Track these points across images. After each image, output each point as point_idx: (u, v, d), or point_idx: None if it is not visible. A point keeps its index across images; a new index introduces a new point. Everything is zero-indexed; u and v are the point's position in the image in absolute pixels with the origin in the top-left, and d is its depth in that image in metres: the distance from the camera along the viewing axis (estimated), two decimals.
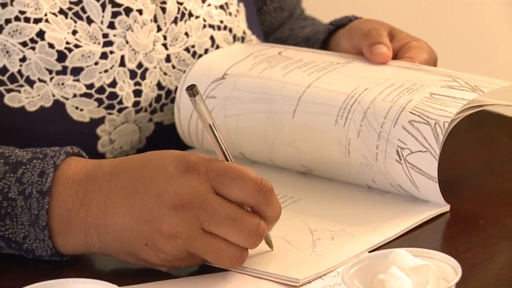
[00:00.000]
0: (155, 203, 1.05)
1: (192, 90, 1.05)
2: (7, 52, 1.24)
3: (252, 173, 1.05)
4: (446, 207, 1.18)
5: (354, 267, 0.96)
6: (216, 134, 1.07)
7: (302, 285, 1.06)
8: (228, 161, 1.07)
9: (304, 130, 1.23)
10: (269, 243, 1.10)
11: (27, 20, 1.25)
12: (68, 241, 1.10)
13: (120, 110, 1.28)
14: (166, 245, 1.05)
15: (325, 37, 1.40)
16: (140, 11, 1.30)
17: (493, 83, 1.23)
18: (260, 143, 1.27)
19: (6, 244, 1.11)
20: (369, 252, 1.10)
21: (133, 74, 1.29)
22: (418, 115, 1.17)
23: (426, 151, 1.16)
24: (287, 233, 1.15)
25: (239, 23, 1.39)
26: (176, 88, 1.32)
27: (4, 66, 1.24)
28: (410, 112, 1.18)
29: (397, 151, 1.18)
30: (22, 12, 1.25)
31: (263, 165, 1.29)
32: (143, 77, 1.30)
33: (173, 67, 1.33)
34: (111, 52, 1.28)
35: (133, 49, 1.29)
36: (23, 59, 1.25)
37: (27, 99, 1.25)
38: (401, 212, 1.18)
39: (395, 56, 1.30)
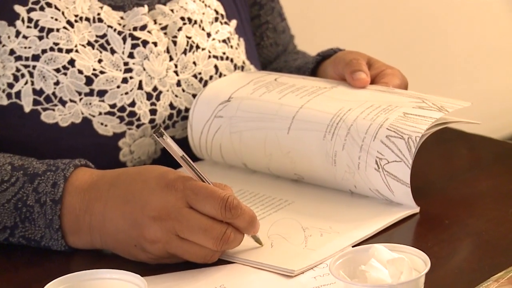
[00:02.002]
0: (139, 213, 1.07)
1: (158, 132, 1.05)
2: (43, 77, 1.24)
3: (222, 192, 1.06)
4: (417, 209, 1.18)
5: (339, 259, 0.96)
6: (188, 163, 1.08)
7: (296, 275, 1.06)
8: (204, 182, 1.08)
9: (297, 144, 1.23)
10: (258, 241, 1.10)
11: (60, 50, 1.25)
12: (78, 239, 1.12)
13: (138, 126, 1.28)
14: (149, 247, 1.07)
15: (313, 66, 1.40)
16: (155, 43, 1.30)
17: (456, 103, 1.23)
18: (259, 155, 1.27)
19: (27, 242, 1.13)
20: (352, 246, 1.10)
21: (149, 96, 1.29)
22: (394, 131, 1.17)
23: (400, 161, 1.16)
24: (282, 230, 1.15)
25: (239, 55, 1.38)
26: (186, 108, 1.32)
27: (41, 89, 1.24)
28: (387, 128, 1.18)
29: (376, 161, 1.17)
30: (56, 44, 1.25)
31: (262, 173, 1.29)
32: (157, 98, 1.29)
33: (183, 90, 1.32)
34: (131, 78, 1.28)
35: (149, 75, 1.29)
36: (56, 83, 1.24)
37: (60, 116, 1.24)
38: (378, 213, 1.17)
39: (373, 82, 1.30)
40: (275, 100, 1.26)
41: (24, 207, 1.12)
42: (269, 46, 1.50)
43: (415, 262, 0.95)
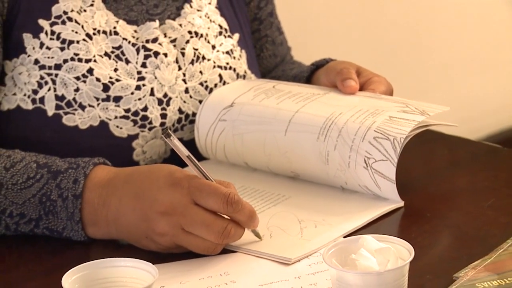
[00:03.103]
0: (149, 208, 1.07)
1: (165, 133, 1.05)
2: (65, 84, 1.24)
3: (224, 189, 1.06)
4: (401, 203, 1.18)
5: (332, 249, 0.96)
6: (193, 162, 1.08)
7: (293, 262, 1.06)
8: (207, 179, 1.07)
9: (293, 145, 1.23)
10: (257, 235, 1.10)
11: (80, 60, 1.24)
12: (96, 230, 1.12)
13: (150, 129, 1.28)
14: (158, 239, 1.07)
15: (308, 75, 1.39)
16: (165, 54, 1.29)
17: (436, 108, 1.23)
18: (259, 155, 1.26)
19: (50, 233, 1.13)
20: (343, 237, 1.10)
21: (160, 102, 1.28)
22: (381, 133, 1.17)
23: (387, 160, 1.16)
24: (280, 222, 1.14)
25: (241, 65, 1.38)
26: (193, 113, 1.31)
27: (63, 95, 1.24)
28: (375, 130, 1.18)
29: (364, 160, 1.17)
30: (76, 54, 1.24)
31: (262, 171, 1.29)
32: (167, 104, 1.29)
33: (191, 97, 1.32)
34: (143, 85, 1.27)
35: (160, 83, 1.28)
36: (76, 90, 1.24)
37: (79, 119, 1.24)
38: (367, 206, 1.17)
39: (361, 88, 1.30)
40: (274, 105, 1.26)
41: (48, 201, 1.12)
42: (268, 57, 1.50)
43: (401, 251, 0.95)
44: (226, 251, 1.09)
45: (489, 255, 1.03)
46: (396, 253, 0.94)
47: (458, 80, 2.81)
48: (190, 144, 1.31)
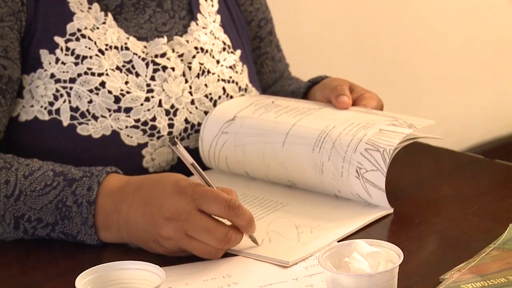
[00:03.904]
0: (156, 214, 1.07)
1: (172, 141, 1.05)
2: (79, 96, 1.23)
3: (225, 195, 1.05)
4: (391, 210, 1.17)
5: (327, 252, 0.95)
6: (197, 169, 1.08)
7: (291, 265, 1.05)
8: (210, 186, 1.07)
9: (290, 155, 1.23)
10: (254, 241, 1.10)
11: (93, 74, 1.24)
12: (108, 234, 1.12)
13: (158, 138, 1.27)
14: (164, 243, 1.07)
15: (305, 91, 1.40)
16: (173, 68, 1.29)
17: (423, 121, 1.23)
18: (259, 165, 1.26)
19: (65, 237, 1.13)
20: (337, 241, 1.09)
21: (167, 112, 1.28)
22: (371, 145, 1.17)
23: (377, 170, 1.16)
24: (279, 228, 1.14)
25: (243, 79, 1.38)
26: (199, 123, 1.31)
27: (77, 106, 1.23)
28: (366, 143, 1.17)
29: (356, 170, 1.17)
30: (89, 69, 1.24)
31: (261, 180, 1.29)
32: (174, 114, 1.29)
33: (196, 108, 1.31)
34: (152, 97, 1.27)
35: (167, 95, 1.28)
36: (90, 101, 1.24)
37: (93, 129, 1.23)
38: (359, 213, 1.17)
39: (354, 103, 1.30)
40: (272, 119, 1.26)
41: (64, 207, 1.12)
42: (268, 73, 1.50)
43: (390, 255, 0.94)
44: (228, 254, 1.08)
45: (473, 258, 1.03)
46: (386, 256, 0.94)
47: (444, 97, 2.82)
48: (196, 153, 1.30)
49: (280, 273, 1.04)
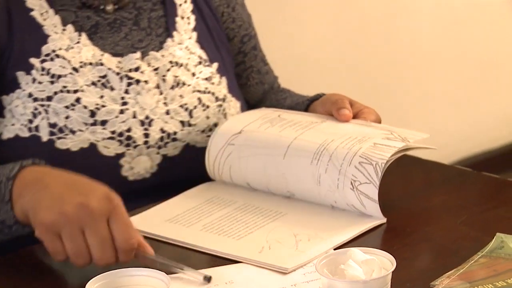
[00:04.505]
0: (77, 194, 1.05)
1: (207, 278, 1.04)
2: (56, 113, 1.23)
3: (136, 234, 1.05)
4: (384, 220, 1.17)
5: (323, 260, 0.95)
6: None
7: (290, 272, 1.05)
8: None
9: (290, 167, 1.22)
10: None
11: (68, 91, 1.24)
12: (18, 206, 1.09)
13: (135, 147, 1.26)
14: (57, 219, 1.05)
15: (305, 108, 1.39)
16: (146, 82, 1.28)
17: (416, 135, 1.23)
18: (260, 175, 1.26)
19: None
20: (334, 249, 1.09)
21: (142, 123, 1.27)
22: (365, 158, 1.17)
23: (370, 183, 1.16)
24: (278, 236, 1.14)
25: (221, 89, 1.36)
26: (174, 131, 1.29)
27: (55, 122, 1.23)
28: (360, 156, 1.17)
29: (351, 182, 1.17)
30: (65, 86, 1.24)
31: (262, 191, 1.28)
32: (150, 124, 1.27)
33: (172, 118, 1.30)
34: (127, 109, 1.26)
35: (142, 107, 1.27)
36: (67, 117, 1.23)
37: (71, 143, 1.23)
38: (354, 222, 1.17)
39: (353, 118, 1.30)
40: (276, 133, 1.26)
41: None
42: (255, 85, 1.48)
43: (384, 262, 0.94)
44: (230, 262, 1.08)
45: (462, 266, 1.03)
46: (380, 264, 0.94)
47: (433, 113, 2.83)
48: (174, 161, 1.29)
49: (280, 279, 1.04)
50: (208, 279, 1.03)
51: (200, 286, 1.03)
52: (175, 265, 1.04)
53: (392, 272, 0.93)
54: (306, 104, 1.38)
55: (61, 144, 1.23)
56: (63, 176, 1.09)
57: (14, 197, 1.09)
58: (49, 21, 1.26)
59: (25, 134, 1.23)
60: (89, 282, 0.94)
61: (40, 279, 1.09)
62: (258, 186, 1.27)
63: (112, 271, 0.96)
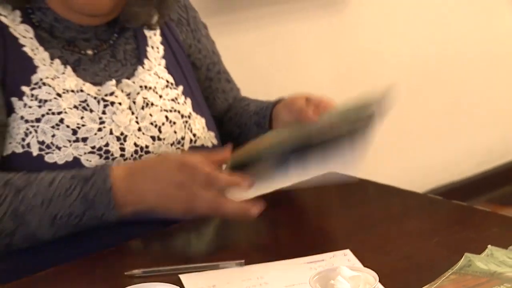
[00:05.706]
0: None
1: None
2: (44, 132, 1.27)
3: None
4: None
5: (316, 276, 0.96)
6: None
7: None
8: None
9: None
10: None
11: (53, 113, 1.29)
12: (126, 210, 1.21)
13: (113, 159, 1.30)
14: (179, 190, 1.19)
15: (270, 112, 1.43)
16: (120, 103, 1.33)
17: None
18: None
19: (92, 221, 1.22)
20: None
21: (118, 139, 1.31)
22: None
23: None
24: None
25: (186, 108, 1.39)
26: (146, 145, 1.32)
27: (43, 140, 1.27)
28: None
29: None
30: (50, 109, 1.29)
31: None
32: (125, 140, 1.31)
33: (143, 134, 1.34)
34: (104, 127, 1.30)
35: (117, 125, 1.31)
36: (53, 135, 1.28)
37: (57, 157, 1.27)
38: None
39: (316, 111, 1.31)
40: None
41: (87, 201, 1.19)
42: (220, 103, 1.53)
43: (368, 278, 0.95)
44: (260, 260, 1.09)
45: (435, 281, 1.04)
46: (365, 279, 0.95)
47: (407, 151, 2.83)
48: None
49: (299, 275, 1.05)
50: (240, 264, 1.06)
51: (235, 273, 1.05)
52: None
53: (375, 287, 0.94)
54: (270, 108, 1.42)
55: (49, 158, 1.27)
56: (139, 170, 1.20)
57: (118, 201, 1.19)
58: (39, 55, 1.32)
59: (19, 150, 1.28)
60: None
61: None
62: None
63: (132, 286, 0.96)
